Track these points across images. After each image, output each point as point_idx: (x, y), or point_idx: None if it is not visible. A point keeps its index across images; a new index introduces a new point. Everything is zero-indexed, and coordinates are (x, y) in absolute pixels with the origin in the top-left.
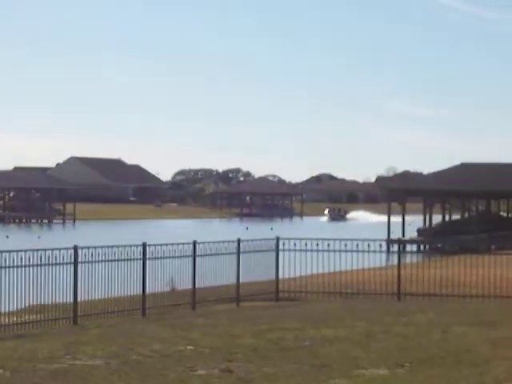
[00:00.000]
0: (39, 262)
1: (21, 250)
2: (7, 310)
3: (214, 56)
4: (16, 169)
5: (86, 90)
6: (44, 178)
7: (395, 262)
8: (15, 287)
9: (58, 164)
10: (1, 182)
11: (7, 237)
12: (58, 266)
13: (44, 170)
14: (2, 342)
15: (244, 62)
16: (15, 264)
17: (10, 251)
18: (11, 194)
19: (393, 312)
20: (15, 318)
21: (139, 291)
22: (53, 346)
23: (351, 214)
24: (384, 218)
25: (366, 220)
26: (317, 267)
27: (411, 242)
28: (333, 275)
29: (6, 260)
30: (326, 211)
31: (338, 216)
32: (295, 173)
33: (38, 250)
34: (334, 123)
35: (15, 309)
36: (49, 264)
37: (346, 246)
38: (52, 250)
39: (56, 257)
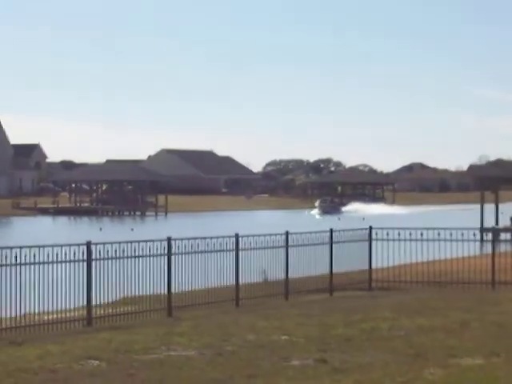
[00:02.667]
0: (133, 254)
1: (115, 242)
2: (102, 301)
3: (303, 49)
4: (108, 162)
5: (177, 82)
6: (136, 170)
7: (489, 250)
8: (110, 279)
9: (149, 156)
10: (93, 175)
11: (100, 229)
12: (151, 258)
13: (136, 162)
14: (97, 334)
15: (334, 55)
16: (110, 256)
17: (104, 243)
18: (104, 187)
19: (487, 301)
20: (110, 310)
21: (232, 282)
22: (148, 337)
23: (349, 206)
24: (389, 210)
25: (365, 212)
26: (410, 257)
27: (505, 230)
28: (426, 264)
29: (100, 252)
30: (317, 203)
31: (330, 208)
32: (386, 162)
33: (132, 242)
34: (425, 112)
35: (110, 300)
36: (143, 256)
37: (439, 234)
38: (146, 241)
39: (150, 248)
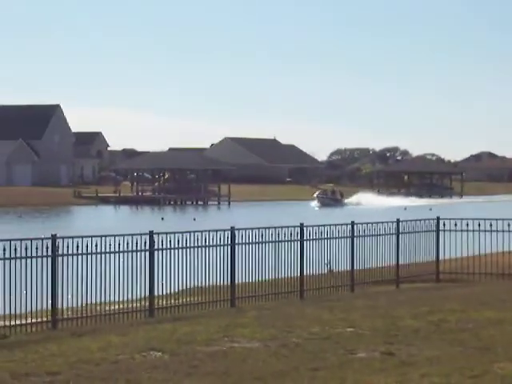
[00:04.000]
0: (196, 244)
1: (177, 232)
2: (165, 292)
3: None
4: (171, 150)
5: (240, 71)
6: (199, 159)
7: None
8: (172, 269)
9: (212, 145)
10: (155, 164)
11: (162, 219)
12: (214, 248)
13: (199, 150)
14: (160, 325)
15: (399, 43)
16: (172, 246)
17: (166, 233)
18: (166, 176)
19: None
20: (173, 301)
21: (297, 273)
22: (210, 328)
23: (353, 198)
24: (394, 201)
25: (373, 204)
26: (479, 248)
27: None
28: (495, 256)
29: (162, 242)
30: (316, 194)
31: (329, 200)
32: (454, 151)
33: (194, 232)
34: (493, 99)
35: (172, 291)
36: (206, 246)
37: (509, 225)
38: (209, 231)
39: (213, 238)
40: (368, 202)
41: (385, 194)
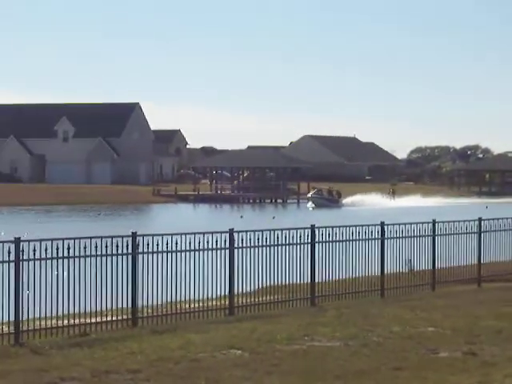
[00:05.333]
0: (276, 242)
1: (257, 230)
2: (244, 290)
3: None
4: (249, 148)
5: (318, 71)
6: (278, 156)
7: None
8: (252, 267)
9: (291, 143)
10: (234, 162)
11: (241, 217)
12: (293, 246)
13: (277, 148)
14: (239, 323)
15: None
16: (252, 244)
17: (246, 231)
18: (245, 174)
19: None
20: (252, 299)
21: (376, 272)
22: (290, 327)
23: (351, 198)
24: (399, 203)
25: (374, 206)
26: None
27: None
28: None
29: (242, 240)
30: (310, 194)
31: (324, 200)
32: None
33: (274, 230)
34: None
35: (252, 289)
36: (286, 244)
37: None
38: (288, 229)
39: (293, 237)
40: (371, 204)
41: (462, 194)
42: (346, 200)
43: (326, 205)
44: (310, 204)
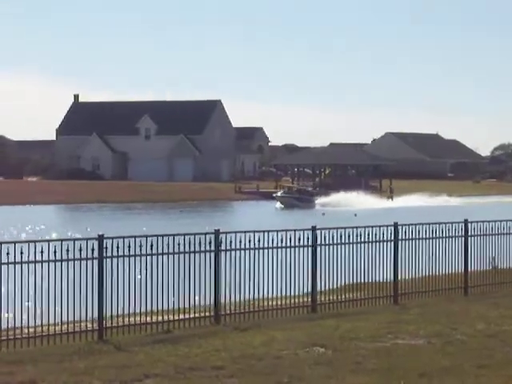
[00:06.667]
0: (359, 240)
1: (339, 228)
2: (327, 287)
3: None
4: (332, 145)
5: (401, 68)
6: (359, 154)
7: None
8: (334, 265)
9: (373, 140)
10: (316, 159)
11: (323, 214)
12: (376, 244)
13: (359, 146)
14: (322, 321)
15: None
16: (334, 241)
17: (328, 228)
18: (327, 171)
19: None
20: (335, 297)
21: (460, 269)
22: (373, 324)
23: (332, 197)
24: (381, 204)
25: (353, 206)
26: None
27: None
28: None
29: (325, 238)
30: (280, 193)
31: (293, 200)
32: None
33: (357, 228)
34: None
35: (335, 287)
36: (368, 242)
37: None
38: (372, 227)
39: (375, 234)
40: (352, 204)
41: None
42: (322, 200)
43: (296, 205)
44: (278, 204)
